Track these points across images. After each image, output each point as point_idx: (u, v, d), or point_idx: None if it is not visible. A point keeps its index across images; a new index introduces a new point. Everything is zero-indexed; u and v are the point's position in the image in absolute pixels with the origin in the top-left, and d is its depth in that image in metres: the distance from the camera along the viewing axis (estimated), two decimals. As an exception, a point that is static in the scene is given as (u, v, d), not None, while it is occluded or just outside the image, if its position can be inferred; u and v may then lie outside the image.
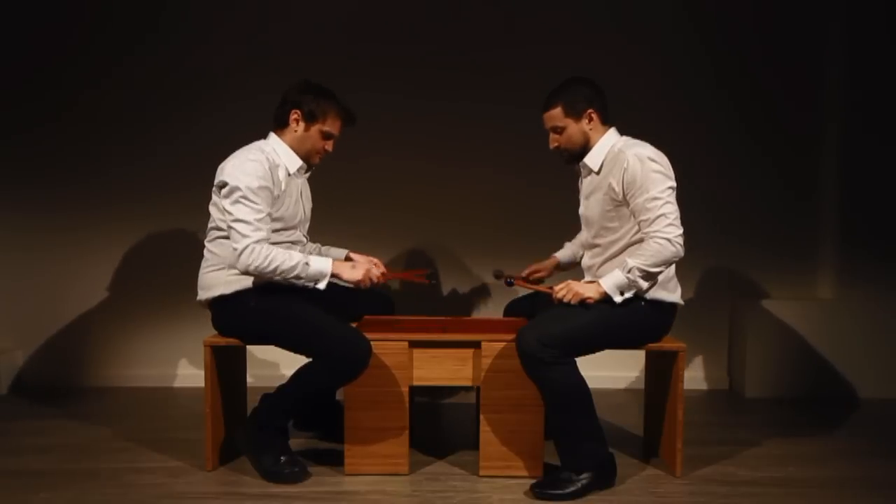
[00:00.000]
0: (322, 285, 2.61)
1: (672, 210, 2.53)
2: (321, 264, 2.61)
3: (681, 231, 2.53)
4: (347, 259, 3.00)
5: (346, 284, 2.69)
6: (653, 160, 2.54)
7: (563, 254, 3.07)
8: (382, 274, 2.71)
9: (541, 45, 3.90)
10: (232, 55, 3.91)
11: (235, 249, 2.56)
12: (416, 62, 3.92)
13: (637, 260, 2.51)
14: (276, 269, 2.54)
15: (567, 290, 2.58)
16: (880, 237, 3.95)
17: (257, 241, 2.54)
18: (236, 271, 2.63)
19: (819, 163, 4.02)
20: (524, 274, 3.00)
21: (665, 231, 2.50)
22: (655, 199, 2.52)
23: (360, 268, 2.65)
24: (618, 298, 2.54)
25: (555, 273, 3.08)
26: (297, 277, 2.58)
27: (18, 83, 3.93)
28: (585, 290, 2.56)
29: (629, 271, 2.51)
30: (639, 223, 2.58)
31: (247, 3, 3.95)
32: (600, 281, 2.56)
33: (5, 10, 3.89)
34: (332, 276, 2.62)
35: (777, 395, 3.86)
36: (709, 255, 4.01)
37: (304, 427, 3.11)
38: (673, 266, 2.66)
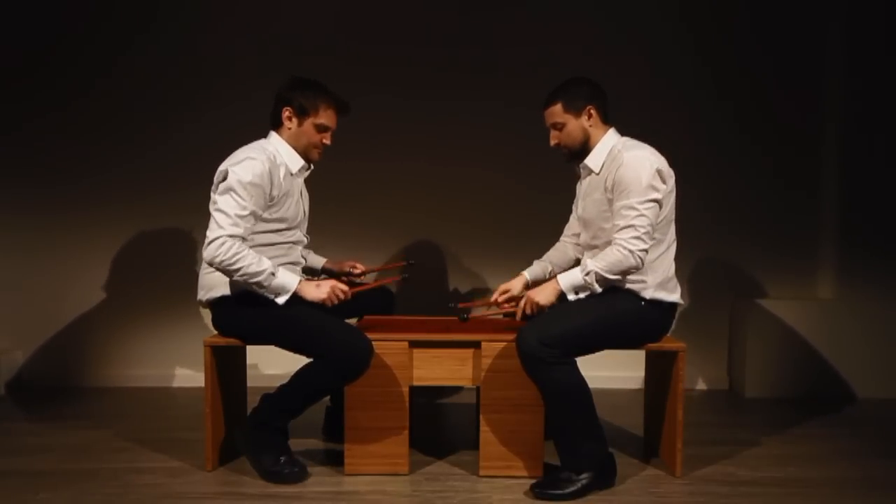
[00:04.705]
0: (282, 300, 2.58)
1: (644, 223, 2.51)
2: (287, 279, 2.58)
3: (646, 246, 2.52)
4: (324, 268, 3.06)
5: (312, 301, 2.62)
6: (647, 168, 2.52)
7: (532, 271, 2.93)
8: (344, 291, 2.64)
9: (540, 46, 3.90)
10: (230, 54, 3.91)
11: (207, 237, 2.54)
12: (415, 62, 3.92)
13: (597, 264, 2.53)
14: (240, 269, 2.50)
15: (527, 303, 2.62)
16: (880, 237, 3.96)
17: (231, 236, 2.52)
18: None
19: (819, 163, 4.02)
20: (494, 296, 2.82)
21: (630, 242, 2.50)
22: (632, 208, 2.51)
23: (324, 287, 2.62)
24: (571, 297, 2.58)
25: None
26: (259, 285, 2.55)
27: (16, 82, 3.92)
28: (542, 296, 2.60)
29: (587, 274, 2.54)
30: (613, 225, 2.58)
31: (245, 1, 3.95)
32: (558, 278, 2.59)
33: (3, 7, 3.88)
34: (296, 293, 2.58)
35: (777, 395, 3.86)
36: (709, 255, 4.02)
37: (331, 431, 3.09)
38: (673, 266, 2.67)
